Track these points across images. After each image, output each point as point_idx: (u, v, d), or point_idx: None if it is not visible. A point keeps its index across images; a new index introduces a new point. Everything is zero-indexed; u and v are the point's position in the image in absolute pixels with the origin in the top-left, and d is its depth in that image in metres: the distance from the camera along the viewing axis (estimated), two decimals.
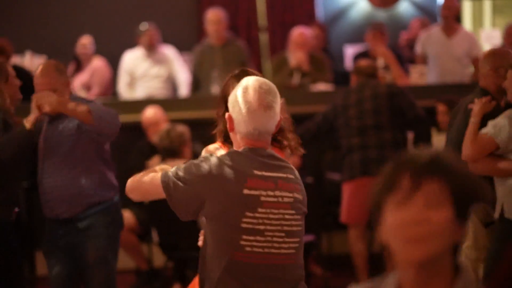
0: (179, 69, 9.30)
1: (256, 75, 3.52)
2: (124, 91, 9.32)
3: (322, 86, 8.47)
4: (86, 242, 4.93)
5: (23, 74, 8.13)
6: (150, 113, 7.73)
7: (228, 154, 3.31)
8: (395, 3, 11.57)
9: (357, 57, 9.10)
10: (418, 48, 8.78)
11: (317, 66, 8.66)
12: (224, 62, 8.79)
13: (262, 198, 3.25)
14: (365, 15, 11.51)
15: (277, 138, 3.58)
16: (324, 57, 9.02)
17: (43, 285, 7.00)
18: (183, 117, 7.76)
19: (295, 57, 8.58)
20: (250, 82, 3.33)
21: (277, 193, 3.27)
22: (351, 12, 11.59)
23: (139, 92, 9.24)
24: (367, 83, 7.13)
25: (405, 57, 9.32)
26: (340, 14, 11.57)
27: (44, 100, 4.63)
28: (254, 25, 10.59)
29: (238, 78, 3.50)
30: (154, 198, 3.46)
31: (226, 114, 3.34)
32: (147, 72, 9.27)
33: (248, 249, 3.24)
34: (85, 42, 9.65)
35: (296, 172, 3.40)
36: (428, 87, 8.36)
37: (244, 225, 3.23)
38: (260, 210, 3.24)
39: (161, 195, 3.32)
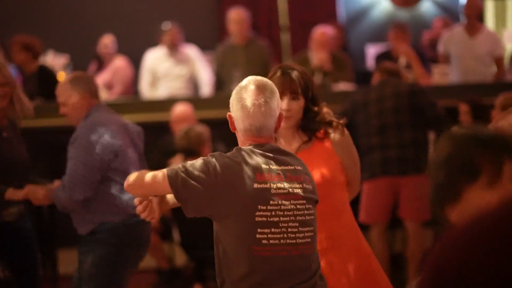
0: (202, 68, 9.30)
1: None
2: (146, 91, 9.33)
3: (343, 86, 8.44)
4: (85, 254, 4.89)
5: (47, 74, 8.20)
6: (180, 109, 7.72)
7: (235, 151, 3.36)
8: (417, 3, 11.53)
9: (379, 56, 9.07)
10: (441, 48, 8.74)
11: (338, 65, 8.64)
12: (247, 61, 8.79)
13: (273, 191, 3.29)
14: (387, 15, 11.49)
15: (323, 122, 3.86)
16: (346, 57, 9.00)
17: (64, 284, 7.02)
18: (205, 117, 7.76)
19: (317, 56, 8.56)
20: (246, 81, 3.40)
21: (286, 184, 3.32)
22: (373, 12, 11.57)
23: (161, 92, 9.24)
24: (388, 81, 7.09)
25: (428, 56, 9.28)
26: (361, 14, 11.55)
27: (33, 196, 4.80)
28: (275, 24, 10.59)
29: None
30: (156, 194, 3.46)
31: (227, 114, 3.40)
32: (169, 72, 9.28)
33: (264, 241, 3.27)
34: (107, 41, 9.68)
35: (303, 163, 3.44)
36: (451, 86, 8.32)
37: (258, 219, 3.26)
38: (272, 202, 3.28)
39: (166, 191, 3.34)
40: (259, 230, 3.26)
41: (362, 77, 8.92)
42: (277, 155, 3.37)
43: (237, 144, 3.60)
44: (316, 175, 3.71)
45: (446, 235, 1.62)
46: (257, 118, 3.32)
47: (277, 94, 3.38)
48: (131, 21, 10.68)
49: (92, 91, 4.86)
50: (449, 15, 10.97)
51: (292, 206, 3.31)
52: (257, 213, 3.26)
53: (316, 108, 3.87)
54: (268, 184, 3.28)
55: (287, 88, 3.81)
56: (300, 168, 3.40)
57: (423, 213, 6.97)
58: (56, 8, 10.72)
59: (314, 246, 3.38)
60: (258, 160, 3.31)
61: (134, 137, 4.99)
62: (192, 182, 3.25)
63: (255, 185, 3.27)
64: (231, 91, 3.18)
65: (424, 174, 6.62)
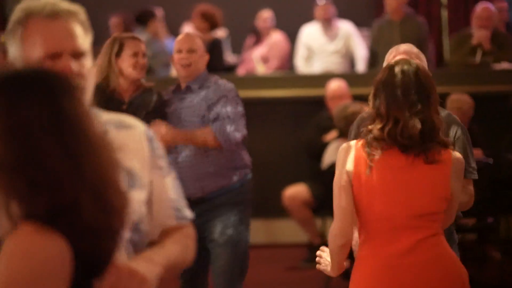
0: (357, 44, 9.25)
1: None
2: (301, 65, 9.36)
3: (505, 65, 8.21)
4: (214, 221, 4.86)
5: (217, 49, 8.53)
6: (334, 86, 7.73)
7: None
8: None
9: None
10: None
11: (500, 44, 8.39)
12: (402, 38, 8.64)
13: None
14: None
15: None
16: (509, 35, 8.73)
17: None
18: (360, 93, 7.71)
19: (477, 34, 8.34)
20: None
21: None
22: None
23: (316, 67, 9.25)
24: None
25: None
26: None
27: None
28: (435, 1, 10.41)
29: None
30: None
31: None
32: (324, 47, 9.27)
33: None
34: (266, 16, 9.76)
35: None
36: None
37: None
38: None
39: None
40: None
41: None
42: None
43: None
44: None
45: None
46: None
47: None
48: None
49: None
50: None
51: None
52: None
53: None
54: None
55: None
56: None
57: None
58: None
59: None
60: None
61: None
62: None
63: None
64: None
65: None
